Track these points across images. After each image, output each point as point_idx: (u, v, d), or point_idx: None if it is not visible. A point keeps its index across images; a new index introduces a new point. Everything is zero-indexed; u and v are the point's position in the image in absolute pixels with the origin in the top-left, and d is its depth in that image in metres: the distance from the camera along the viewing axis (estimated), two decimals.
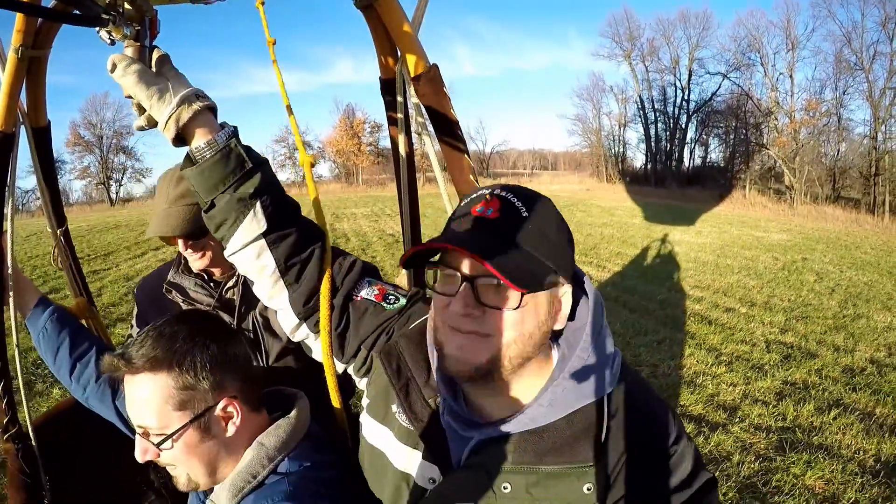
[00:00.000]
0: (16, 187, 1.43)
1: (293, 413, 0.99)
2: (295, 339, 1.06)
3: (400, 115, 1.36)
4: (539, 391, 0.78)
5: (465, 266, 0.74)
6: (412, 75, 1.16)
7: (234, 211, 0.92)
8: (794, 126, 24.10)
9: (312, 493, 0.89)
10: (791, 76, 24.99)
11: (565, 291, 0.79)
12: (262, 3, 1.22)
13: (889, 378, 4.39)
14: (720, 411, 3.82)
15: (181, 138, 0.90)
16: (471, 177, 1.22)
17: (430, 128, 1.22)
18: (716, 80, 29.07)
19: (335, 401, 1.04)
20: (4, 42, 1.26)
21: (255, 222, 0.92)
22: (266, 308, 1.39)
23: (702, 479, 0.81)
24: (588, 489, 0.75)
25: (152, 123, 0.92)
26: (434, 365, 0.84)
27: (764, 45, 25.67)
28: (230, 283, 1.45)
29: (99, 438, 1.48)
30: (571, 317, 0.81)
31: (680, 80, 30.61)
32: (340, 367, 1.02)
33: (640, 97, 32.36)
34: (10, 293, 1.31)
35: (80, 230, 15.45)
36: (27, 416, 1.45)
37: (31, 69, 1.33)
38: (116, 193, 37.26)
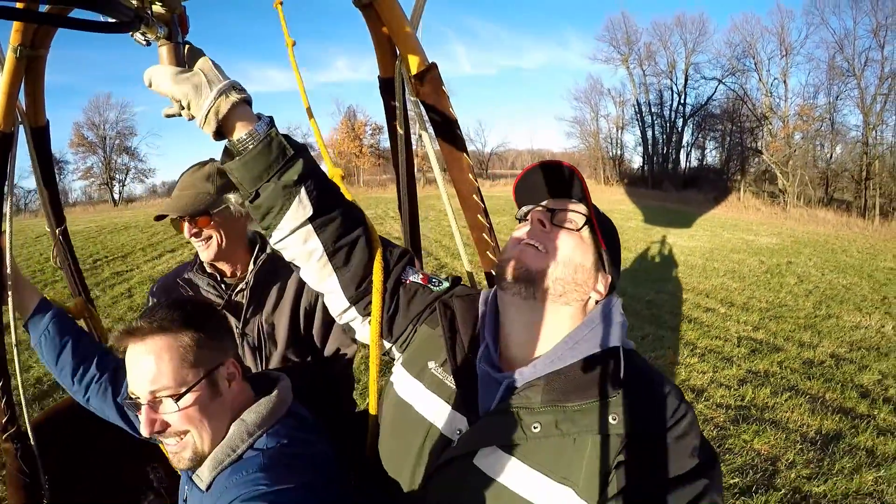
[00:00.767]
0: (16, 187, 1.42)
1: (274, 392, 1.03)
2: (341, 322, 1.08)
3: (399, 113, 1.34)
4: (565, 336, 0.89)
5: (546, 199, 0.97)
6: (411, 74, 1.15)
7: (280, 198, 0.91)
8: (788, 130, 24.43)
9: (286, 466, 0.91)
10: (785, 81, 25.36)
11: (606, 280, 0.93)
12: (281, 3, 1.19)
13: (845, 370, 4.83)
14: (688, 392, 4.37)
15: (220, 132, 0.89)
16: (470, 175, 1.23)
17: (430, 127, 1.22)
18: (711, 84, 29.41)
19: (373, 393, 1.05)
20: (3, 41, 1.24)
21: (301, 208, 0.92)
22: (273, 315, 1.49)
23: (707, 452, 0.83)
24: (614, 419, 0.79)
25: (180, 111, 0.89)
26: (482, 310, 0.98)
27: (758, 51, 26.03)
28: (240, 287, 1.50)
29: (98, 438, 1.50)
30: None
31: (676, 84, 30.93)
32: (387, 346, 1.07)
33: (637, 100, 32.68)
34: (10, 293, 1.30)
35: (91, 231, 15.23)
36: (26, 416, 1.44)
37: (30, 68, 1.32)
38: (120, 194, 37.21)
